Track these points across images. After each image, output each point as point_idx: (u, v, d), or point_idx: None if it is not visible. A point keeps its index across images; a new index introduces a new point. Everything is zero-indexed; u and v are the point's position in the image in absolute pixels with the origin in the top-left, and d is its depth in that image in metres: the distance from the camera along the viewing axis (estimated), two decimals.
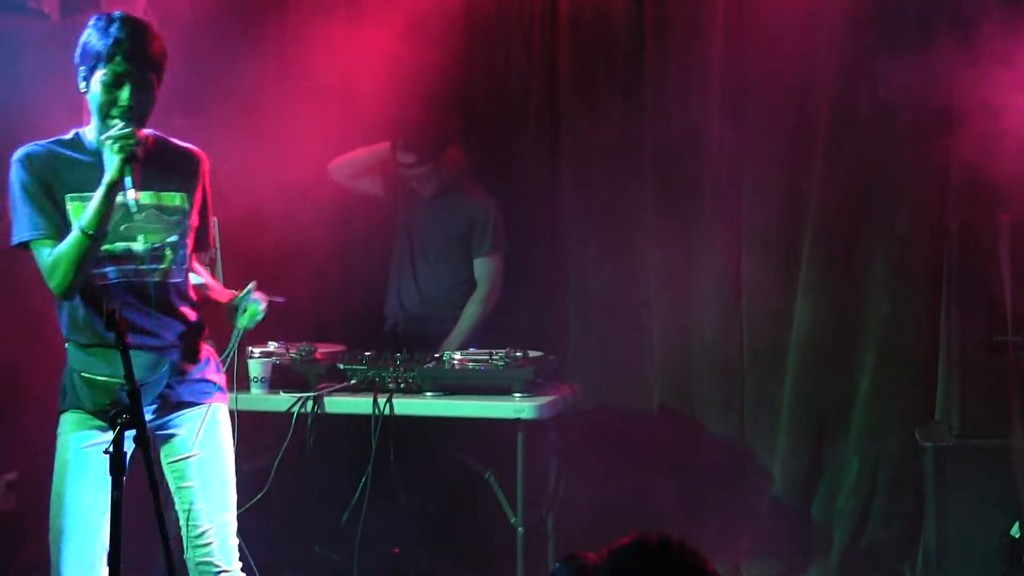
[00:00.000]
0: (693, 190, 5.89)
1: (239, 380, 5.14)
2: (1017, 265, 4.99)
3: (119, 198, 3.63)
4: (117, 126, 3.62)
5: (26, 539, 5.30)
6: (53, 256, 3.64)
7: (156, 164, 3.79)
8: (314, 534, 5.61)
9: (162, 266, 3.81)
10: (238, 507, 5.06)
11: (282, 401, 5.10)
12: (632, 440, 5.93)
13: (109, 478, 3.43)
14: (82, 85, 3.74)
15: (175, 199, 3.85)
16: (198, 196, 3.93)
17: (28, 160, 3.72)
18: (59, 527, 3.78)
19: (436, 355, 5.32)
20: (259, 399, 5.12)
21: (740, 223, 5.84)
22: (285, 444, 5.05)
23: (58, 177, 3.71)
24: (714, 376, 5.89)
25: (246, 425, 5.11)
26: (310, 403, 5.07)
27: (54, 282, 3.67)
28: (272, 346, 5.27)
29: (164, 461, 3.90)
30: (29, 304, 5.18)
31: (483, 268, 5.85)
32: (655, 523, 5.56)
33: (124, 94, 3.67)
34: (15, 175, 3.72)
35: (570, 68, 6.04)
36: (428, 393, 5.10)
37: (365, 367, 5.18)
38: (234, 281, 5.20)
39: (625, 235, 5.99)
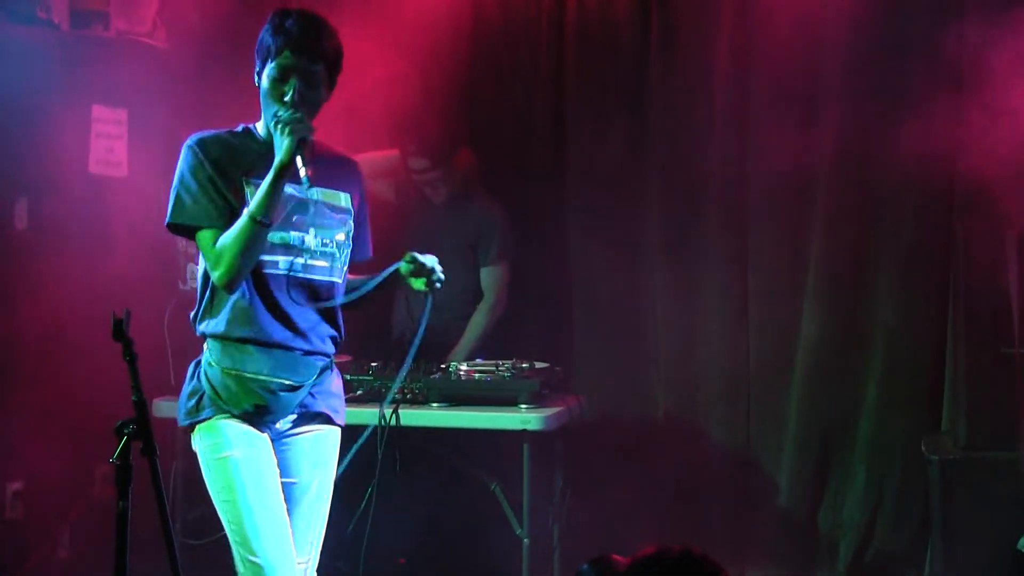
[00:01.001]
0: (699, 198, 5.89)
1: None
2: None
3: (290, 188, 3.56)
4: (287, 111, 3.53)
5: (32, 547, 5.31)
6: (221, 243, 3.52)
7: (324, 164, 3.69)
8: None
9: (330, 263, 3.70)
10: None
11: None
12: (638, 450, 5.92)
13: (277, 482, 3.61)
14: (256, 79, 3.68)
15: (340, 199, 3.75)
16: (356, 202, 3.82)
17: (202, 144, 3.65)
18: (251, 529, 3.63)
19: (442, 366, 5.32)
20: None
21: (746, 232, 5.84)
22: None
23: (234, 161, 3.63)
24: (720, 386, 5.88)
25: None
26: None
27: (220, 270, 3.52)
28: None
29: (281, 474, 3.72)
30: (37, 316, 5.21)
31: (489, 277, 5.84)
32: (661, 533, 5.57)
33: (290, 88, 3.57)
34: (185, 161, 3.64)
35: (576, 77, 6.05)
36: (434, 404, 5.10)
37: (371, 378, 5.18)
38: None
39: (631, 244, 6.00)
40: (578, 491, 5.55)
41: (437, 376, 5.17)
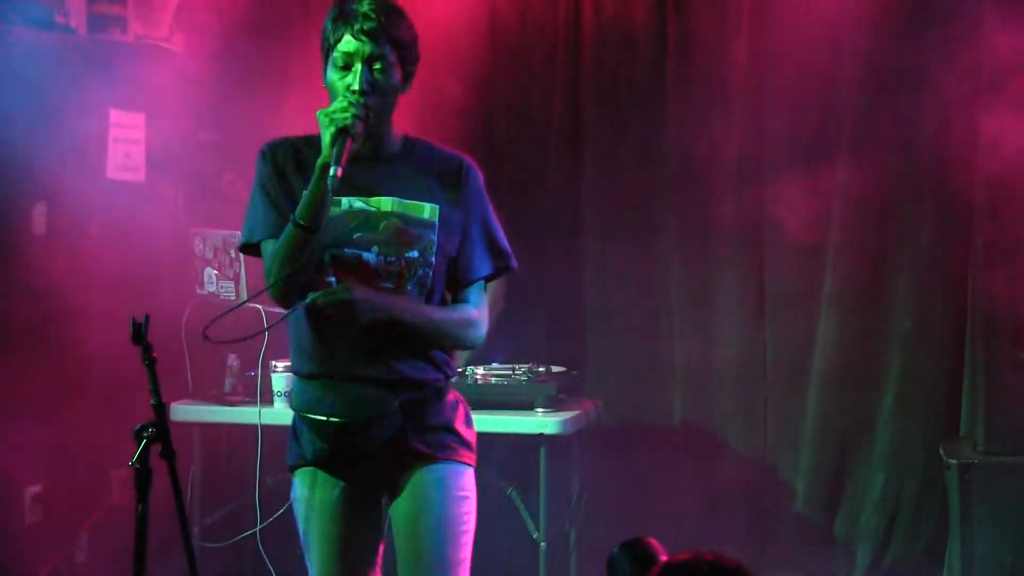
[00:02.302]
0: (716, 203, 5.89)
1: (263, 394, 5.17)
2: None
3: (359, 202, 3.25)
4: (341, 100, 3.18)
5: (51, 551, 5.32)
6: (270, 255, 3.24)
7: (408, 168, 3.32)
8: None
9: (394, 286, 3.26)
10: (261, 520, 5.11)
11: None
12: (654, 455, 5.92)
13: (350, 518, 3.31)
14: (324, 80, 3.34)
15: (422, 210, 3.28)
16: (456, 213, 3.33)
17: (271, 152, 3.35)
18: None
19: (459, 370, 5.32)
20: (283, 413, 5.12)
21: (763, 236, 5.84)
22: None
23: (299, 169, 3.30)
24: (737, 391, 5.88)
25: (270, 439, 5.16)
26: None
27: (269, 282, 3.22)
28: None
29: (390, 523, 3.40)
30: (56, 320, 5.22)
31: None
32: (677, 538, 5.56)
33: (355, 76, 3.21)
34: (256, 170, 3.36)
35: (593, 82, 6.05)
36: None
37: None
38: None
39: (648, 249, 5.99)
40: (595, 496, 5.55)
41: (453, 380, 5.16)
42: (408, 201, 3.28)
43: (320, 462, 3.34)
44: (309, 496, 3.37)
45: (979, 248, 5.21)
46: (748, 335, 5.85)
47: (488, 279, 3.44)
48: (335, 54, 3.25)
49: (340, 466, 3.34)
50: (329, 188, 3.10)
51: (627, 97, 6.01)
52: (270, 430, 5.15)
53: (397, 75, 3.26)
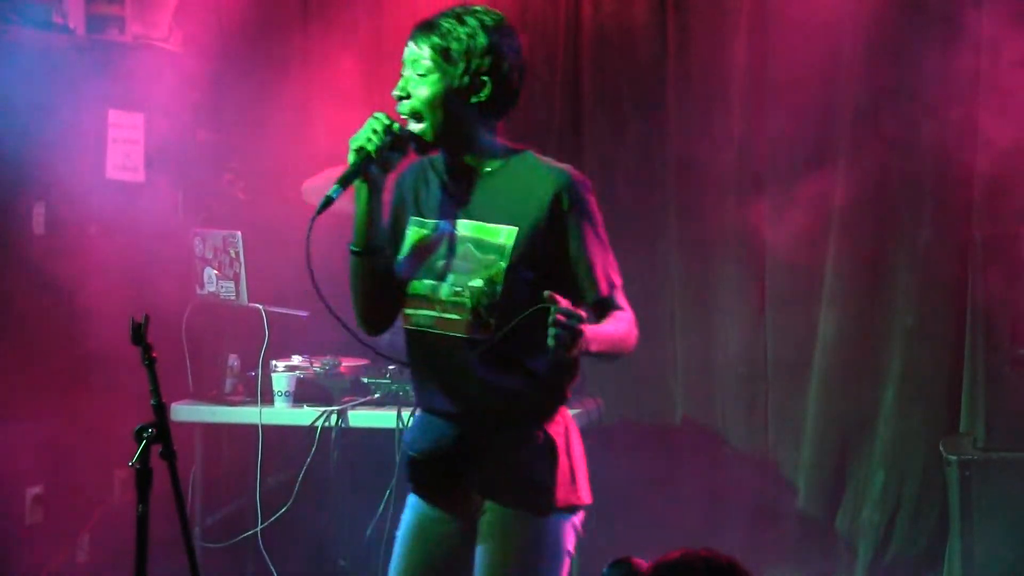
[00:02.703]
0: (716, 202, 5.89)
1: (264, 394, 5.17)
2: None
3: (445, 225, 3.10)
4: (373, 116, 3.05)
5: (52, 552, 5.32)
6: None
7: (496, 186, 3.11)
8: (338, 548, 5.62)
9: (459, 316, 3.06)
10: (262, 520, 5.11)
11: (306, 415, 5.11)
12: (656, 453, 5.92)
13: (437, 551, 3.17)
14: None
15: (498, 235, 3.06)
16: (541, 237, 3.05)
17: (400, 177, 3.23)
18: None
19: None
20: (283, 413, 5.14)
21: (763, 234, 5.83)
22: (309, 458, 5.06)
23: (414, 197, 3.19)
24: (738, 388, 5.88)
25: (271, 439, 5.16)
26: (334, 417, 5.08)
27: (355, 314, 3.19)
28: (296, 360, 5.29)
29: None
30: (55, 321, 5.22)
31: None
32: (679, 536, 5.56)
33: (400, 82, 3.09)
34: None
35: (593, 83, 6.05)
36: None
37: (389, 381, 5.18)
38: (258, 295, 5.24)
39: (648, 247, 5.99)
40: (596, 493, 5.54)
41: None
42: (484, 224, 3.08)
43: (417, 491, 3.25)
44: (402, 526, 3.28)
45: (978, 245, 5.21)
46: (749, 333, 5.85)
47: (606, 301, 3.15)
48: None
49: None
50: (318, 207, 2.97)
51: (627, 96, 6.00)
52: (271, 430, 5.16)
53: (442, 82, 3.04)
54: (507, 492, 3.10)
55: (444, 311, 3.07)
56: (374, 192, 3.07)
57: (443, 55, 3.04)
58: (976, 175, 5.47)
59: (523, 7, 6.07)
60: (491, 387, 3.08)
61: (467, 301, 3.05)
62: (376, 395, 5.18)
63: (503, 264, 3.03)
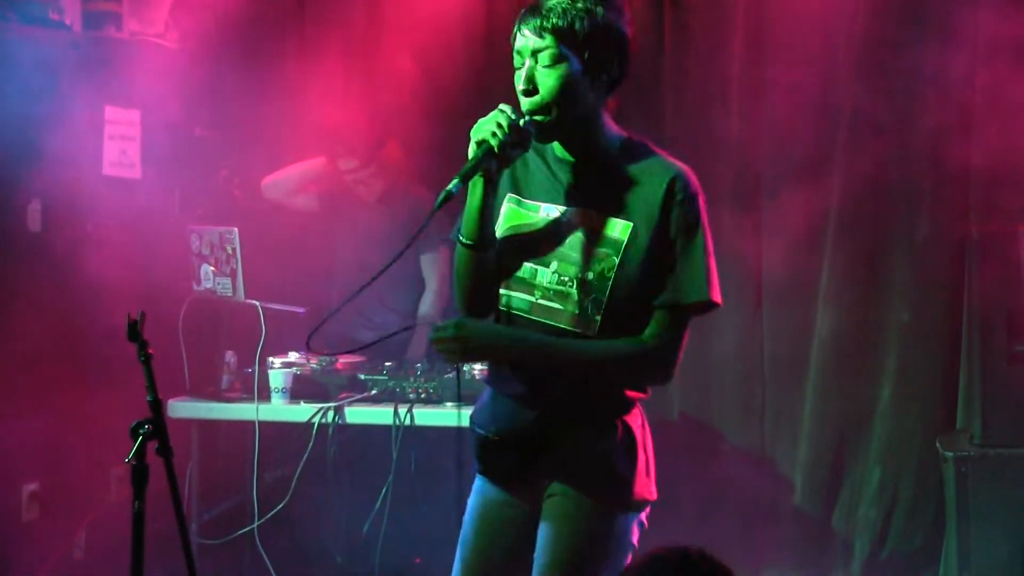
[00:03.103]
0: (712, 197, 5.82)
1: (261, 390, 5.16)
2: None
3: (554, 211, 3.02)
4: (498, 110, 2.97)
5: (49, 549, 5.32)
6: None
7: (613, 177, 3.03)
8: (335, 544, 5.62)
9: (561, 306, 2.99)
10: (259, 516, 5.11)
11: (303, 411, 5.11)
12: (653, 449, 5.91)
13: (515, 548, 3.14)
14: None
15: (613, 227, 2.98)
16: (652, 234, 2.98)
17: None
18: None
19: (456, 365, 5.31)
20: (280, 409, 5.14)
21: (760, 230, 5.84)
22: (306, 454, 5.06)
23: (511, 176, 3.12)
24: (734, 384, 5.88)
25: (267, 435, 5.16)
26: (331, 413, 5.08)
27: (455, 297, 3.14)
28: (293, 356, 5.29)
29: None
30: (51, 317, 5.22)
31: (429, 264, 5.79)
32: (676, 532, 5.56)
33: (517, 75, 2.99)
34: None
35: None
36: (448, 403, 5.10)
37: (385, 377, 5.19)
38: (254, 291, 5.24)
39: None
40: None
41: (451, 375, 5.18)
42: (600, 215, 3.00)
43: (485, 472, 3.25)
44: (470, 508, 3.28)
45: (974, 242, 5.21)
46: (745, 329, 5.85)
47: (676, 310, 3.04)
48: (514, 55, 3.02)
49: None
50: (438, 202, 2.92)
51: (623, 92, 5.98)
52: (267, 427, 5.16)
53: (571, 68, 2.94)
54: (584, 481, 3.06)
55: (545, 298, 3.01)
56: (490, 187, 2.99)
57: (569, 39, 2.93)
58: (972, 173, 5.47)
59: (520, 2, 6.06)
60: (567, 379, 3.04)
61: (574, 293, 2.98)
62: (373, 391, 5.18)
63: (615, 259, 2.97)
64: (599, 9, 2.95)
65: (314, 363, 5.23)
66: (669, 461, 5.88)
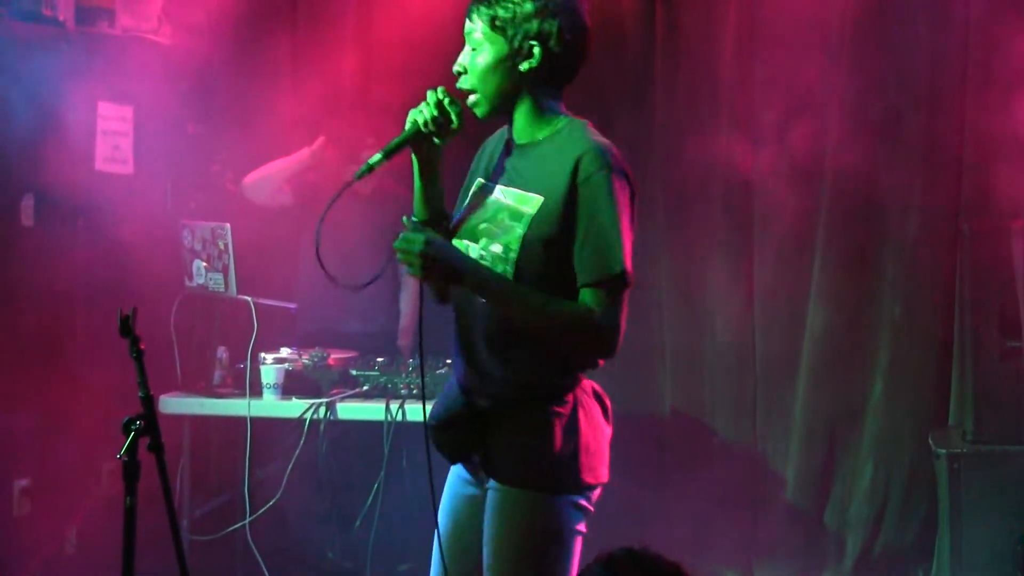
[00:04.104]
0: (704, 196, 5.89)
1: (252, 386, 5.16)
2: None
3: (495, 191, 3.10)
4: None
5: (40, 545, 5.32)
6: None
7: (538, 156, 3.09)
8: (327, 540, 5.62)
9: None
10: (251, 512, 5.11)
11: (295, 407, 5.10)
12: (644, 445, 5.92)
13: (475, 534, 3.14)
14: None
15: (528, 202, 3.04)
16: (559, 208, 2.99)
17: (486, 141, 3.26)
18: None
19: (447, 361, 5.32)
20: (272, 405, 5.13)
21: (751, 227, 5.84)
22: (297, 450, 5.06)
23: (487, 162, 3.21)
24: (726, 380, 5.88)
25: (259, 431, 5.15)
26: (323, 409, 5.08)
27: None
28: (285, 352, 5.28)
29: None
30: (44, 312, 5.22)
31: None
32: (666, 528, 5.58)
33: (459, 58, 3.09)
34: None
35: (580, 76, 6.01)
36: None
37: (377, 373, 5.18)
38: (246, 287, 5.24)
39: (636, 240, 5.98)
40: None
41: (443, 371, 5.18)
42: (520, 191, 3.06)
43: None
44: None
45: (966, 238, 5.22)
46: (737, 325, 5.85)
47: (589, 288, 3.00)
48: None
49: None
50: (357, 174, 3.05)
51: (615, 89, 6.00)
52: (259, 422, 5.15)
53: (492, 52, 3.03)
54: (512, 471, 3.07)
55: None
56: (425, 165, 3.10)
57: (491, 24, 3.03)
58: (964, 169, 5.48)
59: None
60: (499, 359, 3.06)
61: (496, 268, 3.02)
62: (364, 387, 5.18)
63: (520, 232, 3.01)
64: (527, 2, 3.04)
65: (306, 359, 5.23)
66: (660, 456, 5.94)
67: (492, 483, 3.10)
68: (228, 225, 5.23)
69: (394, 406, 5.02)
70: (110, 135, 5.59)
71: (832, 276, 5.69)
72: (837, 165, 5.65)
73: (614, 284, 3.02)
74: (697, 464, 5.88)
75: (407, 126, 3.06)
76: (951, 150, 5.47)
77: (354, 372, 5.23)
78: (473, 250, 3.06)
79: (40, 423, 5.18)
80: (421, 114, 3.03)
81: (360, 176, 3.06)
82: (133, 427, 3.19)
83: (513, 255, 3.00)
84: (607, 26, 5.98)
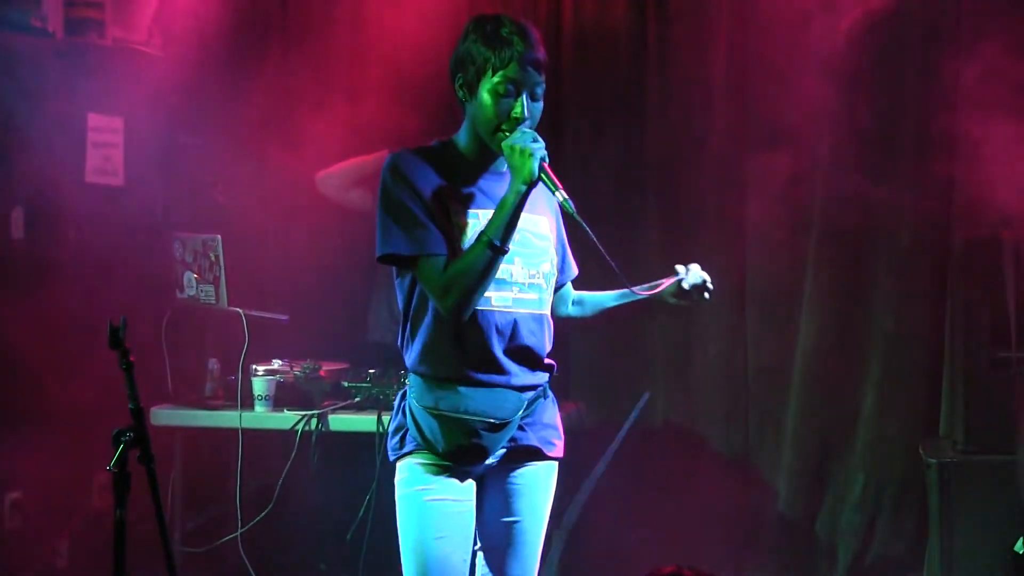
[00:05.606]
0: (696, 207, 5.89)
1: (244, 398, 5.15)
2: (1020, 281, 4.99)
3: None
4: (520, 130, 3.31)
5: (31, 557, 5.30)
6: (451, 271, 3.26)
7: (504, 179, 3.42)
8: (319, 552, 5.61)
9: (538, 296, 3.45)
10: (242, 524, 5.11)
11: (286, 419, 5.10)
12: (636, 456, 5.91)
13: (469, 531, 3.40)
14: (460, 93, 3.39)
15: (540, 225, 3.50)
16: (554, 225, 3.63)
17: (404, 164, 3.35)
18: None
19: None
20: (263, 417, 5.13)
21: (744, 239, 5.85)
22: (289, 462, 5.05)
23: (444, 180, 3.35)
24: (719, 392, 5.88)
25: (251, 443, 5.14)
26: (314, 421, 5.07)
27: (451, 300, 3.26)
28: (276, 364, 5.28)
29: (486, 515, 3.50)
30: (34, 325, 5.21)
31: None
32: (660, 539, 5.57)
33: (519, 104, 3.33)
34: (389, 185, 3.33)
35: (574, 85, 6.05)
36: None
37: (369, 384, 5.18)
38: (237, 299, 5.23)
39: (628, 249, 5.98)
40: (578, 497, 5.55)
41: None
42: (530, 215, 3.42)
43: (450, 456, 3.40)
44: (429, 490, 3.41)
45: (958, 248, 5.23)
46: (729, 335, 5.85)
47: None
48: (496, 79, 3.31)
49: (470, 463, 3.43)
50: (571, 211, 3.30)
51: (607, 97, 6.00)
52: (251, 434, 5.15)
53: (541, 100, 3.42)
54: (546, 446, 3.53)
55: (522, 292, 3.40)
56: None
57: (544, 81, 3.42)
58: (955, 180, 5.49)
59: (503, 8, 6.07)
60: (537, 358, 3.47)
61: (541, 283, 3.46)
62: (356, 399, 5.17)
63: (551, 251, 3.52)
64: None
65: (297, 371, 5.23)
66: (653, 467, 5.93)
67: (529, 462, 3.49)
68: (219, 237, 5.23)
69: (386, 418, 5.01)
70: (100, 147, 5.59)
71: (824, 287, 5.69)
72: (829, 175, 5.66)
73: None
74: (689, 474, 5.88)
75: (535, 164, 3.28)
76: (943, 162, 5.47)
77: (346, 384, 5.23)
78: (517, 270, 3.40)
79: (31, 435, 5.16)
80: (541, 148, 3.30)
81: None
82: (123, 439, 3.19)
83: (555, 270, 3.58)
84: (600, 37, 6.00)
